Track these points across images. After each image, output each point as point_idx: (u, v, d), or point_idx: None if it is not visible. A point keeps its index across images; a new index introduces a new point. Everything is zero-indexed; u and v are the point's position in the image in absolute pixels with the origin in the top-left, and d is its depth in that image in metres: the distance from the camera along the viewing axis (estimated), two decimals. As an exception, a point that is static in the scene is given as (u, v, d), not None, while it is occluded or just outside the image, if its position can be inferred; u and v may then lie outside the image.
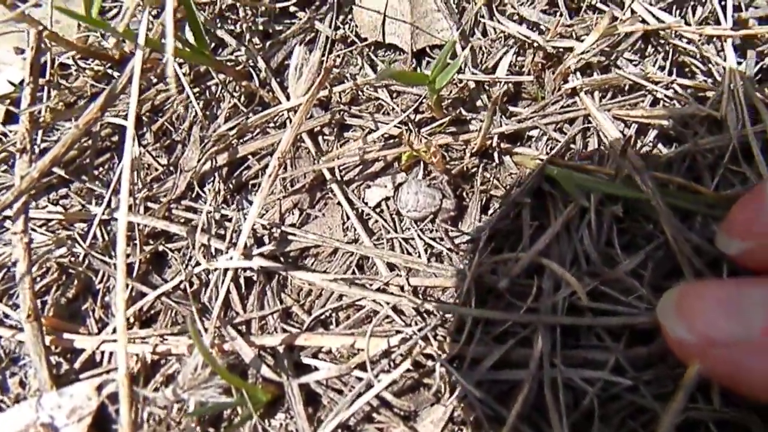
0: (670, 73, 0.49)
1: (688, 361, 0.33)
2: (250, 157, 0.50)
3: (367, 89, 0.51)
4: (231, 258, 0.43)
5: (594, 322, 0.41)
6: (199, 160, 0.49)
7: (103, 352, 0.42)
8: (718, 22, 0.50)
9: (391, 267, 0.45)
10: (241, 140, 0.50)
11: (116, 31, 0.43)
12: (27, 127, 0.43)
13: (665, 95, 0.48)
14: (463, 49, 0.49)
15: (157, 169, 0.50)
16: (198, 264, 0.44)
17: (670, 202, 0.44)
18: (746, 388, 0.32)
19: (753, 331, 0.30)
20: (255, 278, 0.45)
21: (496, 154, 0.46)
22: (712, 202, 0.44)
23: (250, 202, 0.48)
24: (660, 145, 0.48)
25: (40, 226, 0.46)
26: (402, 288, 0.44)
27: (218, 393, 0.37)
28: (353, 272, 0.45)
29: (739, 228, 0.37)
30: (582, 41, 0.48)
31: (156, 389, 0.39)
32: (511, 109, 0.49)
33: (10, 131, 0.48)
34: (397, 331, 0.41)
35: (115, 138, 0.52)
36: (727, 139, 0.46)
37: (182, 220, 0.48)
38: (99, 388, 0.39)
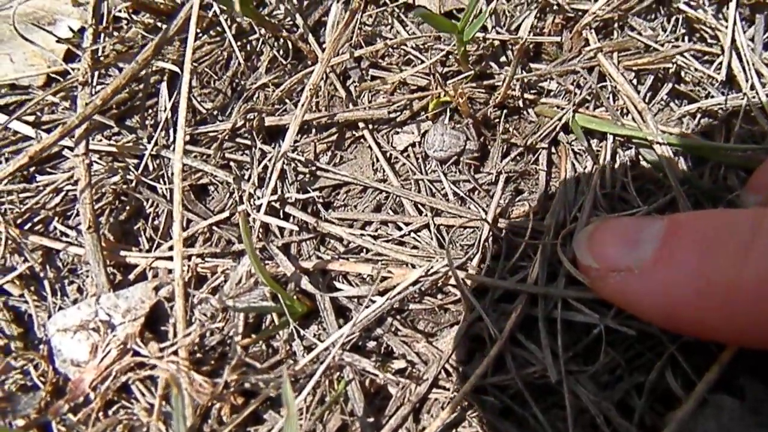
0: (680, 39, 0.52)
1: (592, 285, 0.38)
2: (287, 101, 0.53)
3: (397, 48, 0.55)
4: (269, 192, 0.47)
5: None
6: (241, 107, 0.53)
7: (154, 268, 0.46)
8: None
9: (418, 208, 0.49)
10: (281, 90, 0.54)
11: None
12: (89, 63, 0.47)
13: (677, 59, 0.51)
14: (488, 4, 0.52)
15: (200, 113, 0.54)
16: (241, 201, 0.48)
17: (678, 151, 0.48)
18: (634, 309, 0.37)
19: (643, 260, 0.34)
20: (291, 213, 0.48)
21: (519, 103, 0.50)
22: (722, 151, 0.47)
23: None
24: (672, 104, 0.52)
25: (97, 159, 0.50)
26: (427, 226, 0.48)
27: (260, 301, 0.41)
28: (385, 212, 0.49)
29: (758, 185, 0.41)
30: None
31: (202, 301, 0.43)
32: (533, 65, 0.53)
33: (72, 68, 0.52)
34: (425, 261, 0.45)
35: (162, 86, 0.56)
36: (738, 98, 0.50)
37: (226, 162, 0.52)
38: (155, 290, 0.42)
